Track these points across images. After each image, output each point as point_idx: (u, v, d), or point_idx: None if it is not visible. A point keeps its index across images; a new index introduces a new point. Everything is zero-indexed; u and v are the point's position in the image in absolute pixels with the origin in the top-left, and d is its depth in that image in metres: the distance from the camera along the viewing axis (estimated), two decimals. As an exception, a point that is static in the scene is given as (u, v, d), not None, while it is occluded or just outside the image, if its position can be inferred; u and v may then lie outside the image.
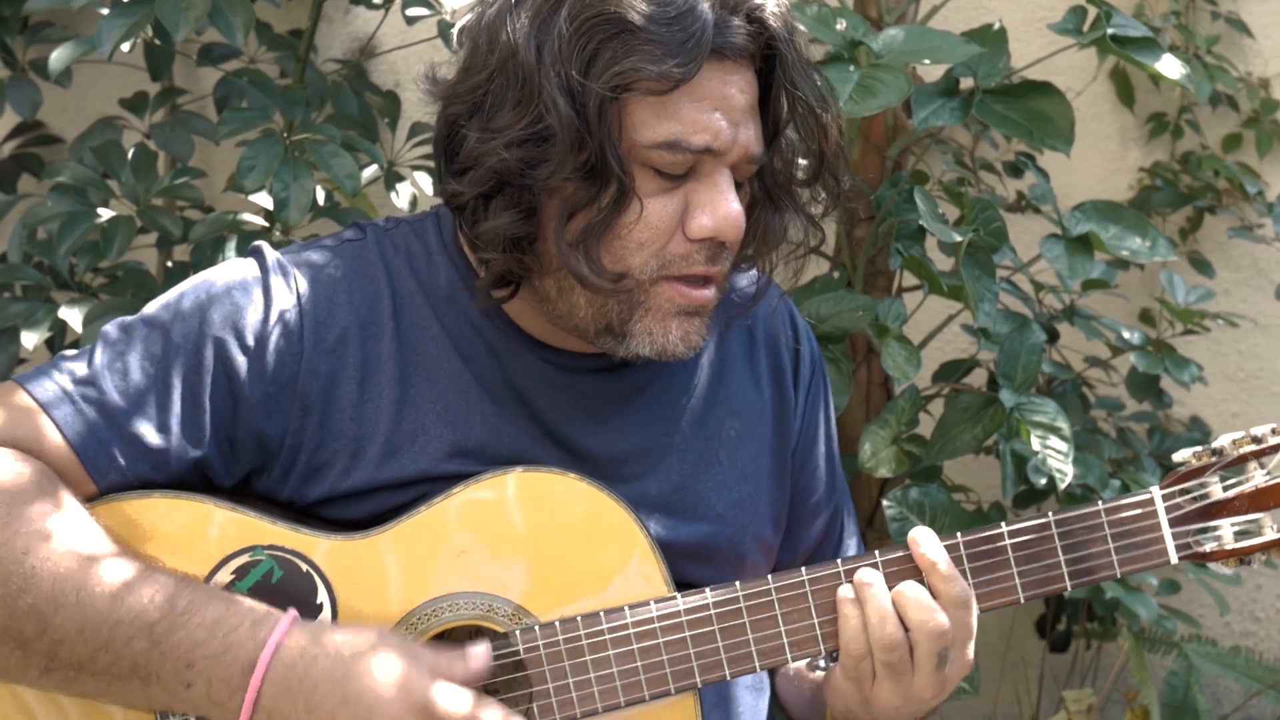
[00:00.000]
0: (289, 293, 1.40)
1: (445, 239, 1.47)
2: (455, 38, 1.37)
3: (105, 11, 1.92)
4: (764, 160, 1.39)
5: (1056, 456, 2.05)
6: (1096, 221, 2.18)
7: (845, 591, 1.36)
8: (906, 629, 1.34)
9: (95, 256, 2.14)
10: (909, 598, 1.34)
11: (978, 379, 2.55)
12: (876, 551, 1.37)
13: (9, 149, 2.67)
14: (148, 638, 1.25)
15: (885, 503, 2.12)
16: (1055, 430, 2.06)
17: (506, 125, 1.31)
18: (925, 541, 1.36)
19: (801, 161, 1.44)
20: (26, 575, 1.25)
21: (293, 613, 1.29)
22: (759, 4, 1.34)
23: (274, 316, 1.38)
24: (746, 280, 1.58)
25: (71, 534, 1.27)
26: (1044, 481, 2.08)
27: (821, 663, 1.56)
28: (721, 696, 1.50)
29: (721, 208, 1.34)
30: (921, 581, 1.35)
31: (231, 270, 1.42)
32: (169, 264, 2.16)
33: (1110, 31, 2.00)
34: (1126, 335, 2.41)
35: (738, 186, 1.38)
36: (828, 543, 1.66)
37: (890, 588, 1.35)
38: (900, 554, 1.37)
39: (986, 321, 1.97)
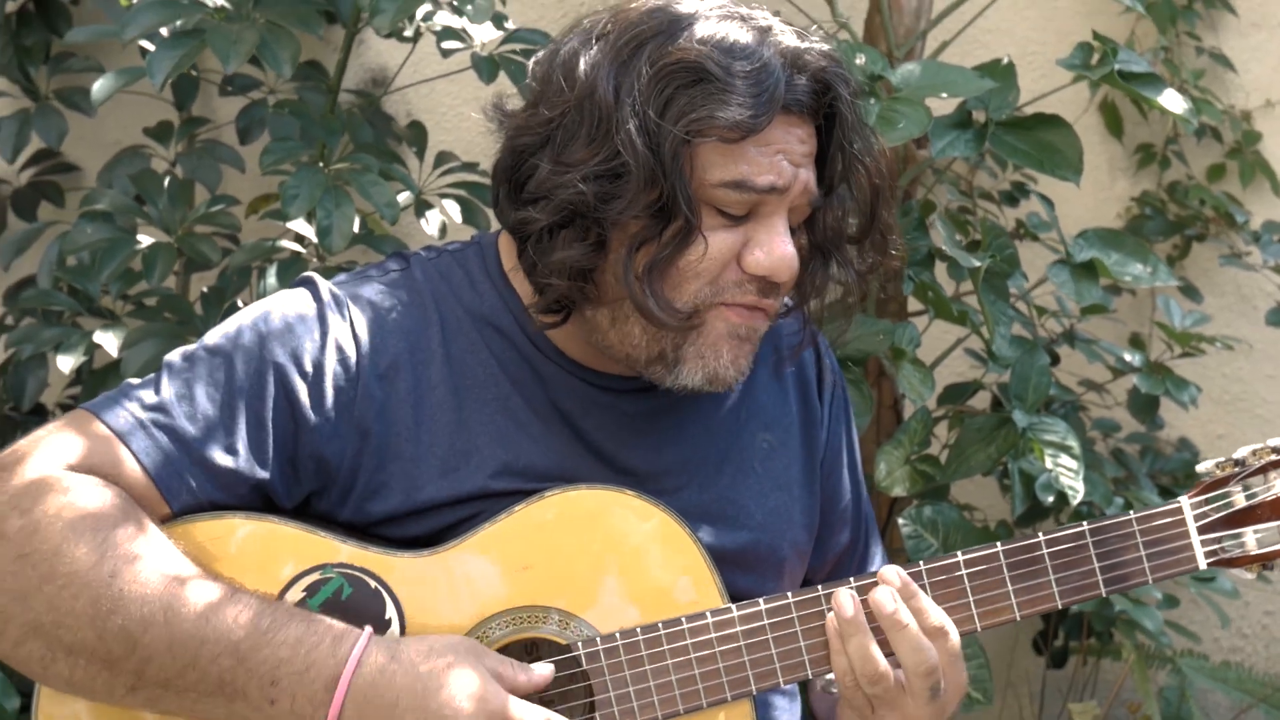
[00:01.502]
0: (343, 322, 1.45)
1: (489, 266, 1.53)
2: (529, 71, 1.42)
3: (146, 44, 1.97)
4: (819, 203, 1.45)
5: (1068, 474, 2.12)
6: (1100, 248, 2.27)
7: (832, 624, 1.42)
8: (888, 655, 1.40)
9: (127, 282, 2.18)
10: (901, 645, 1.40)
11: (981, 401, 2.63)
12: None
13: (26, 177, 2.70)
14: (233, 655, 1.30)
15: (900, 521, 2.19)
16: (1066, 449, 2.14)
17: (581, 160, 1.37)
18: (883, 599, 1.40)
19: (852, 220, 1.51)
20: (115, 598, 1.29)
21: (369, 630, 1.34)
22: (823, 66, 1.41)
23: (330, 345, 1.44)
24: (788, 324, 1.65)
25: (156, 557, 1.32)
26: (1051, 499, 2.16)
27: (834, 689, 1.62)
28: (762, 705, 1.56)
29: (778, 248, 1.40)
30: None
31: (288, 301, 1.48)
32: (205, 289, 2.20)
33: (1116, 67, 2.09)
34: (1128, 358, 2.50)
35: (794, 231, 1.45)
36: (855, 548, 1.73)
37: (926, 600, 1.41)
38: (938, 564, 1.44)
39: (1002, 345, 2.04)
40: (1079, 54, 2.14)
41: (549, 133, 1.40)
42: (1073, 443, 2.14)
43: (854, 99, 1.45)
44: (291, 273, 2.01)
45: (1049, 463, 2.11)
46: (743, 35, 1.38)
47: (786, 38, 1.41)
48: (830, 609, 1.42)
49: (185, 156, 2.41)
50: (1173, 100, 2.09)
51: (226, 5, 1.96)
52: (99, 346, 2.16)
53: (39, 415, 2.44)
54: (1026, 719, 2.90)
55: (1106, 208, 3.06)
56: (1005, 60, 2.20)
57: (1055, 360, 2.60)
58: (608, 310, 1.44)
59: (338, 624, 1.34)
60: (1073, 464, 2.14)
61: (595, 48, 1.40)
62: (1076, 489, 2.11)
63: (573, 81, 1.39)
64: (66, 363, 2.14)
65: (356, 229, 2.07)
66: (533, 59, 1.47)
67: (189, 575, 1.32)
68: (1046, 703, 2.93)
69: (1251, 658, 3.13)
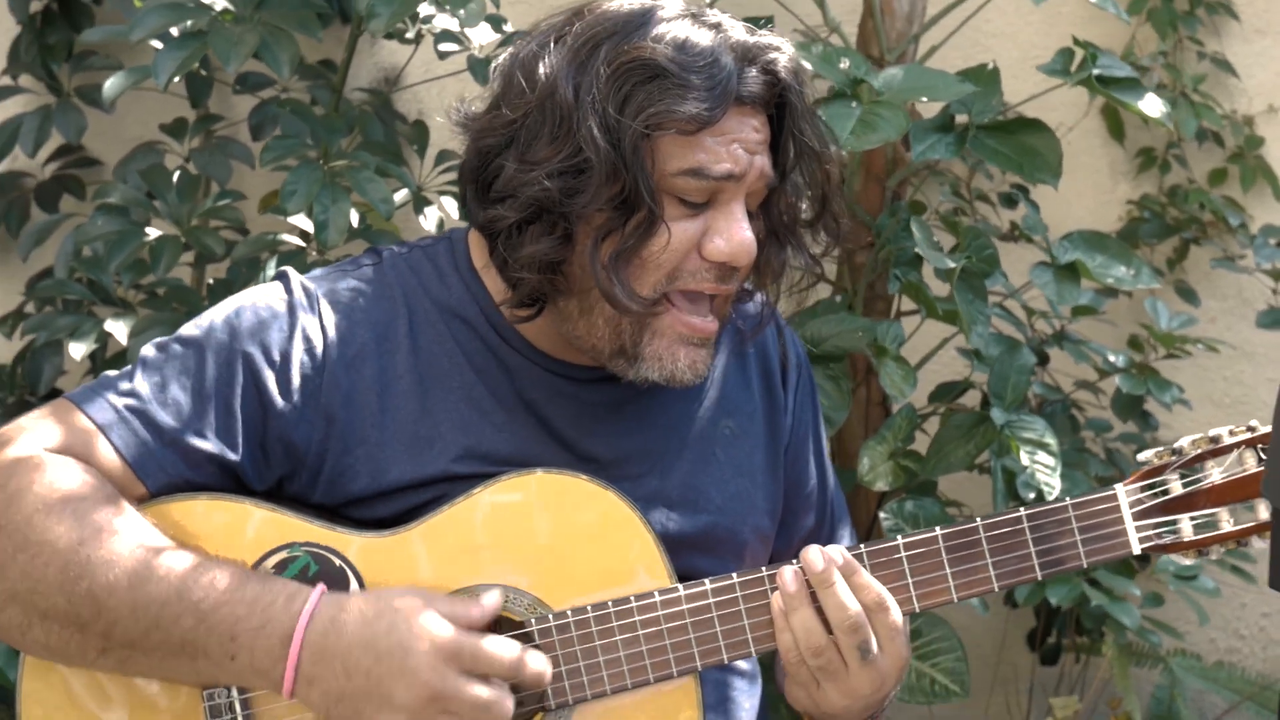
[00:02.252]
0: (311, 314, 1.52)
1: (458, 260, 1.59)
2: (490, 73, 1.49)
3: (157, 44, 2.06)
4: (774, 184, 1.52)
5: (1044, 470, 2.17)
6: (1084, 250, 2.31)
7: (777, 602, 1.47)
8: (830, 632, 1.45)
9: (139, 273, 2.27)
10: (828, 604, 1.45)
11: (972, 400, 2.68)
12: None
13: (50, 171, 2.80)
14: (194, 615, 1.37)
15: (882, 514, 2.25)
16: (1043, 446, 2.19)
17: (545, 158, 1.44)
18: (814, 559, 1.46)
19: (805, 204, 1.57)
20: (82, 564, 1.37)
21: (321, 587, 1.41)
22: (773, 58, 1.48)
23: (298, 335, 1.51)
24: (752, 306, 1.71)
25: (124, 528, 1.39)
26: (1033, 495, 2.20)
27: None
28: (717, 684, 1.61)
29: (737, 234, 1.47)
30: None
31: (260, 293, 1.55)
32: (209, 281, 2.29)
33: (1096, 72, 2.14)
34: (1112, 359, 2.54)
35: (751, 216, 1.51)
36: (820, 531, 1.77)
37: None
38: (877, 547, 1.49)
39: (979, 343, 2.10)
40: (1060, 59, 2.19)
41: (513, 133, 1.47)
42: (1050, 440, 2.19)
43: (803, 89, 1.51)
44: (292, 265, 2.08)
45: (1025, 459, 2.16)
46: (696, 33, 1.45)
47: (737, 33, 1.48)
48: (774, 588, 1.47)
49: (198, 152, 2.50)
50: (1152, 105, 2.13)
51: (231, 8, 2.04)
52: (110, 334, 2.25)
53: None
54: (1017, 714, 2.94)
55: (1108, 210, 3.09)
56: (991, 65, 2.25)
57: (1044, 360, 2.65)
58: (576, 301, 1.50)
59: (292, 583, 1.41)
60: (1050, 461, 2.18)
61: (554, 49, 1.47)
62: (1053, 485, 2.16)
63: (534, 83, 1.46)
64: (79, 349, 2.23)
65: (356, 224, 2.15)
66: (494, 62, 1.54)
67: (153, 543, 1.39)
68: (1036, 699, 2.97)
69: (1248, 659, 3.16)
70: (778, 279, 1.58)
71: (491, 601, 1.42)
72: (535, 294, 1.50)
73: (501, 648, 1.39)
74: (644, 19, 1.46)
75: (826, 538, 1.78)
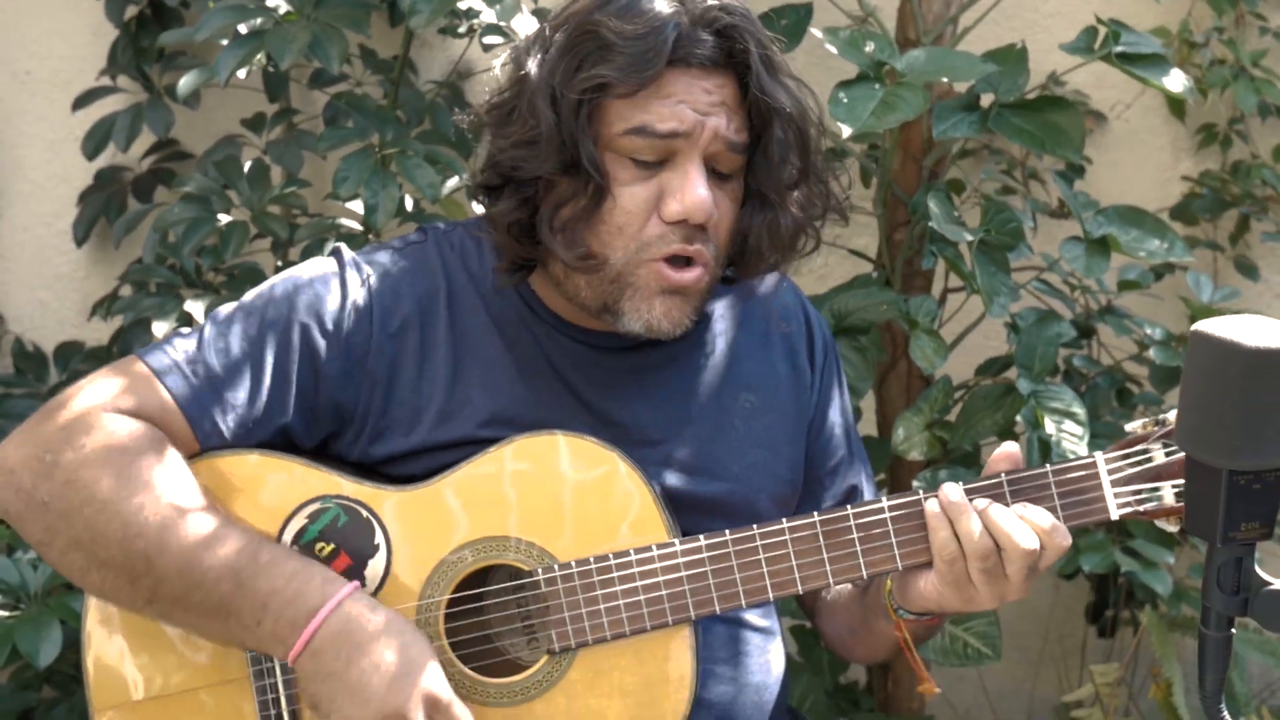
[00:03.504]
0: (361, 287, 1.66)
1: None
2: (499, 68, 1.63)
3: (225, 43, 2.22)
4: (739, 151, 1.59)
5: (1071, 439, 2.22)
6: (1118, 225, 2.35)
7: (932, 507, 1.54)
8: (998, 547, 1.50)
9: (216, 257, 2.44)
10: (999, 523, 1.50)
11: (1016, 374, 2.72)
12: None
13: (147, 164, 3.00)
14: (234, 581, 1.51)
15: (915, 483, 2.32)
16: (1071, 415, 2.24)
17: (513, 131, 1.58)
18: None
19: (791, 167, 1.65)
20: (140, 524, 1.52)
21: (356, 584, 1.54)
22: (728, 22, 1.56)
23: (349, 306, 1.64)
24: (780, 299, 1.80)
25: (176, 488, 1.54)
26: (1063, 464, 2.25)
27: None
28: (731, 637, 1.71)
29: (689, 192, 1.56)
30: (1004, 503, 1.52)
31: (314, 266, 1.70)
32: (277, 264, 2.46)
33: (1119, 49, 2.18)
34: (1149, 331, 2.57)
35: (724, 178, 1.60)
36: (849, 501, 1.85)
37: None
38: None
39: (1000, 314, 2.15)
40: (1084, 37, 2.23)
41: (505, 113, 1.61)
42: (1078, 409, 2.24)
43: (765, 52, 1.58)
44: (351, 246, 2.23)
45: (1052, 428, 2.21)
46: (651, 2, 1.55)
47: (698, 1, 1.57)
48: (791, 538, 1.56)
49: (274, 144, 2.67)
50: (1175, 81, 2.17)
51: (289, 7, 2.20)
52: (190, 314, 2.43)
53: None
54: (1065, 683, 2.98)
55: (1170, 187, 3.10)
56: (1019, 45, 2.30)
57: (1089, 334, 2.68)
58: (559, 266, 1.63)
59: (329, 571, 1.55)
60: (1077, 430, 2.23)
61: (537, 38, 1.60)
62: (1079, 453, 2.20)
63: (516, 66, 1.60)
64: (161, 328, 2.41)
65: (410, 207, 2.29)
66: (502, 57, 1.66)
67: (201, 508, 1.54)
68: (1087, 669, 3.01)
69: (1318, 635, 3.15)
70: (762, 248, 1.65)
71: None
72: (516, 258, 1.62)
73: None
74: None
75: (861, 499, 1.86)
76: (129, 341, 2.61)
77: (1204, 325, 1.14)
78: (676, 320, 1.61)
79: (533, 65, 1.57)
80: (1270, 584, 1.18)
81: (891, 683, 2.69)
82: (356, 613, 1.51)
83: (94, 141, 2.82)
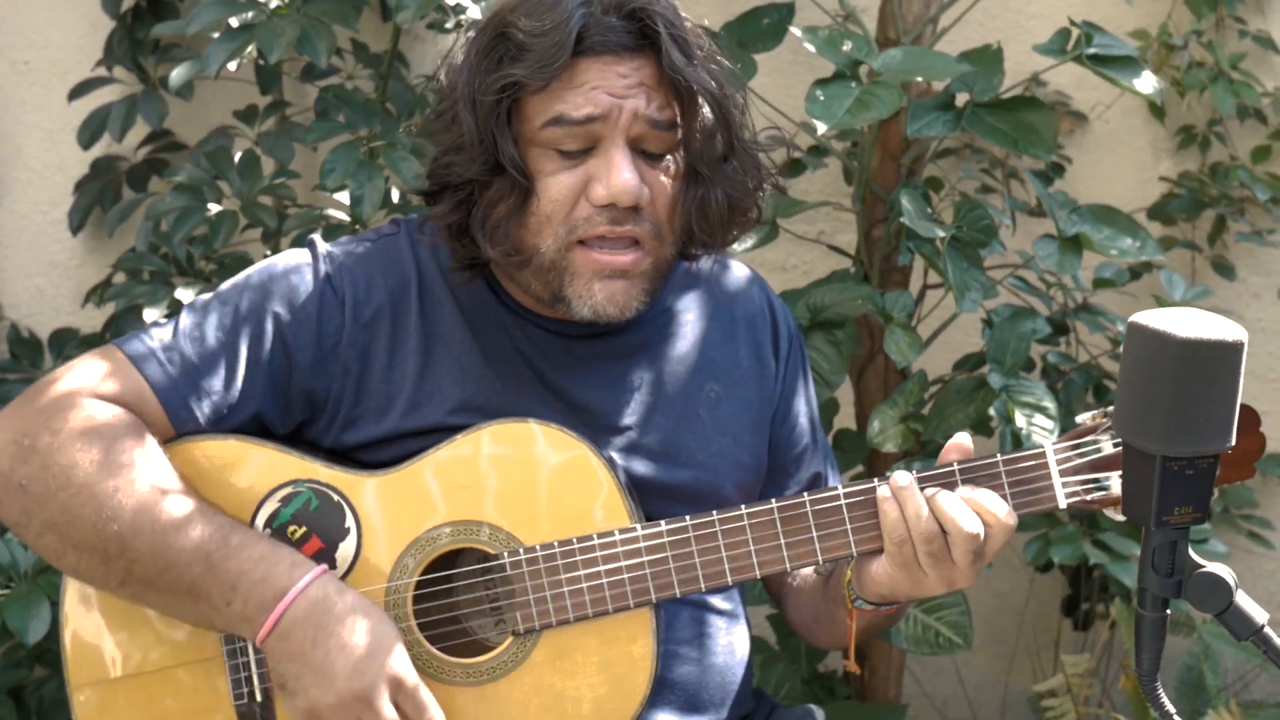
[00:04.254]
0: (334, 277, 1.71)
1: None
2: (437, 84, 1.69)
3: (216, 36, 2.27)
4: (665, 128, 1.62)
5: (1041, 432, 2.27)
6: (1091, 224, 2.40)
7: (883, 492, 1.58)
8: (943, 531, 1.54)
9: (206, 246, 2.49)
10: (944, 507, 1.54)
11: (995, 369, 2.77)
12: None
13: (142, 154, 3.04)
14: (204, 564, 1.56)
15: (888, 474, 2.36)
16: (1042, 409, 2.28)
17: (443, 140, 1.64)
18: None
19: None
20: (115, 508, 1.56)
21: (324, 567, 1.58)
22: (640, 5, 1.60)
23: (321, 295, 1.69)
24: (746, 291, 1.86)
25: (150, 473, 1.58)
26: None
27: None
28: (695, 620, 1.76)
29: (614, 177, 1.60)
30: (952, 490, 1.56)
31: (288, 257, 1.75)
32: (266, 252, 2.50)
33: (1091, 51, 2.23)
34: (1123, 328, 2.61)
35: (657, 158, 1.63)
36: (813, 489, 1.91)
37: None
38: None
39: (972, 309, 2.20)
40: (1057, 39, 2.28)
41: (443, 124, 1.67)
42: (1049, 404, 2.29)
43: (677, 31, 1.61)
44: (335, 236, 2.28)
45: (1022, 422, 2.26)
46: None
47: None
48: (749, 523, 1.61)
49: (265, 136, 2.72)
50: (1145, 83, 2.22)
51: (280, 1, 2.25)
52: (181, 301, 2.47)
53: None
54: (1039, 673, 3.03)
55: (1150, 188, 3.15)
56: (995, 46, 2.35)
57: (1063, 330, 2.73)
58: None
59: (299, 554, 1.59)
60: (1048, 424, 2.28)
61: (466, 44, 1.66)
62: (1048, 447, 2.25)
63: (447, 77, 1.67)
64: (152, 315, 2.46)
65: (396, 199, 2.34)
66: (438, 72, 1.73)
67: (175, 490, 1.58)
68: (1061, 660, 3.06)
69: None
70: (708, 222, 1.68)
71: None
72: (464, 258, 1.68)
73: (435, 712, 1.56)
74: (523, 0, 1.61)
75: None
76: (121, 328, 2.66)
77: (1139, 317, 1.18)
78: (622, 304, 1.65)
79: (456, 74, 1.64)
80: (1202, 566, 1.23)
81: (867, 672, 2.74)
82: (323, 595, 1.55)
83: (89, 131, 2.87)
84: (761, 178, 1.72)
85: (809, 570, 1.82)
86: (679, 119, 1.63)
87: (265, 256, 2.61)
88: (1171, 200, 2.96)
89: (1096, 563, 2.37)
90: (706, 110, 1.63)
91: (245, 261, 2.55)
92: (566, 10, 1.59)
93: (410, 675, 1.55)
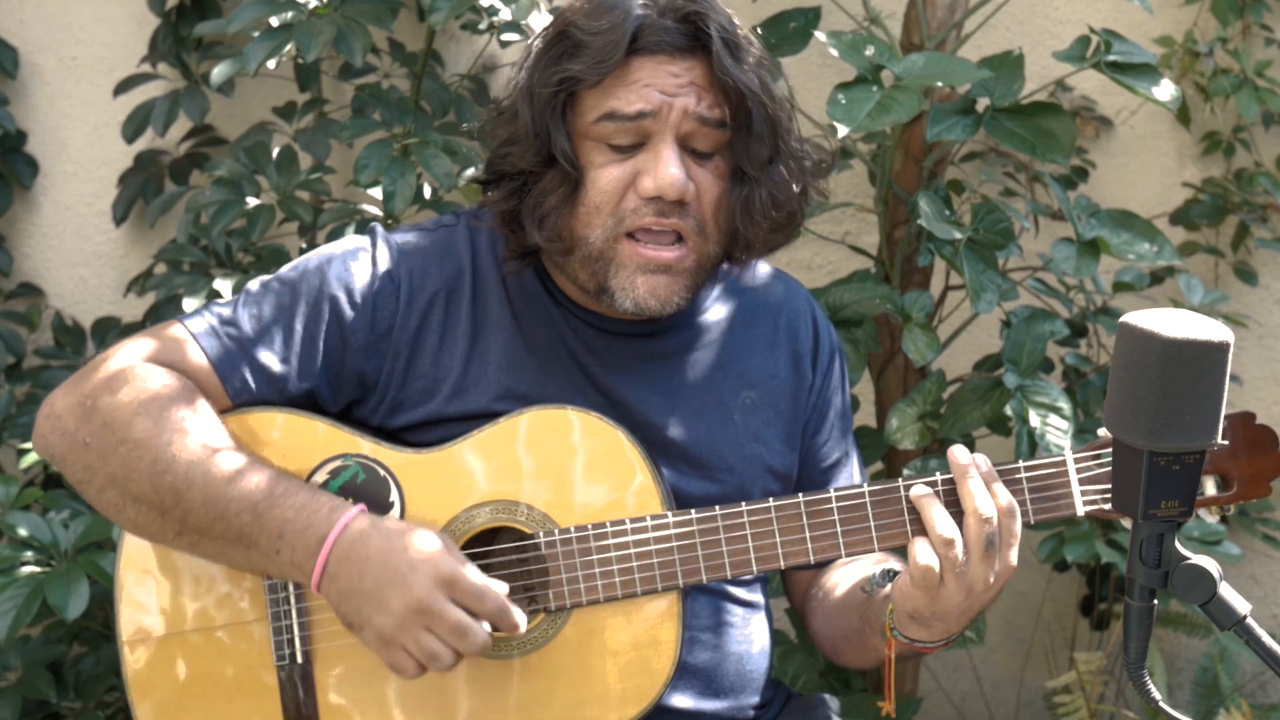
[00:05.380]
0: (391, 264, 1.78)
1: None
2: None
3: (256, 35, 2.35)
4: (713, 126, 1.68)
5: (1056, 433, 2.31)
6: (1110, 228, 2.44)
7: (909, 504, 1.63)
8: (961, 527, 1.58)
9: (244, 239, 2.57)
10: (965, 493, 1.59)
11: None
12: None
13: (184, 148, 3.13)
14: (252, 513, 1.63)
15: (905, 471, 2.41)
16: (1056, 410, 2.32)
17: (501, 132, 1.72)
18: (959, 454, 1.62)
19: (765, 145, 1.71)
20: (169, 460, 1.64)
21: (361, 505, 1.65)
22: (695, 10, 1.67)
23: (378, 281, 1.76)
24: (788, 301, 1.90)
25: (204, 431, 1.66)
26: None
27: (878, 577, 1.77)
28: (715, 608, 1.81)
29: (662, 170, 1.66)
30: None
31: (349, 243, 1.82)
32: (302, 246, 2.58)
33: (1111, 58, 2.26)
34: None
35: (706, 156, 1.69)
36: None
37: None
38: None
39: (987, 310, 2.24)
40: (1077, 46, 2.32)
41: (501, 120, 1.75)
42: (1064, 404, 2.33)
43: (729, 35, 1.68)
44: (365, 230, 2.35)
45: (1037, 422, 2.30)
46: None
47: None
48: (776, 515, 1.67)
49: (303, 132, 2.79)
50: (1163, 91, 2.25)
51: (319, 1, 2.32)
52: (219, 292, 2.55)
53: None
54: (1053, 670, 3.07)
55: (1174, 193, 3.18)
56: (1016, 52, 2.39)
57: (1082, 333, 2.76)
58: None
59: (337, 498, 1.66)
60: (1063, 424, 2.32)
61: (530, 48, 1.73)
62: (1063, 447, 2.29)
63: (514, 78, 1.74)
64: (191, 305, 2.54)
65: (428, 195, 2.40)
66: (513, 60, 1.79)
67: (226, 447, 1.66)
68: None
69: (1311, 635, 3.22)
70: (759, 219, 1.73)
71: (498, 586, 1.61)
72: (517, 247, 1.74)
73: (490, 591, 1.60)
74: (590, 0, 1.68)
75: None
76: (161, 317, 2.74)
77: (1129, 317, 1.23)
78: (664, 298, 1.70)
79: (518, 72, 1.71)
80: (1188, 558, 1.27)
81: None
82: (359, 531, 1.62)
83: (133, 125, 2.95)
84: (806, 182, 1.77)
85: (844, 589, 1.84)
86: (728, 119, 1.69)
87: (300, 250, 2.70)
88: (1194, 205, 2.99)
89: (1109, 562, 2.40)
90: (755, 112, 1.69)
91: (281, 254, 2.63)
92: (625, 11, 1.66)
93: (457, 571, 1.58)
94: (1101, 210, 2.46)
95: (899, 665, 1.73)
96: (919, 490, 1.63)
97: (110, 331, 3.09)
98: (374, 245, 1.80)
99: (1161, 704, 1.30)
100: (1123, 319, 1.23)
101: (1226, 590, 1.27)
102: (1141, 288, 2.69)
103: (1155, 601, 1.31)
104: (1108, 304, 2.81)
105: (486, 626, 1.60)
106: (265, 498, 1.64)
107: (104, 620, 2.63)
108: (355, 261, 1.77)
